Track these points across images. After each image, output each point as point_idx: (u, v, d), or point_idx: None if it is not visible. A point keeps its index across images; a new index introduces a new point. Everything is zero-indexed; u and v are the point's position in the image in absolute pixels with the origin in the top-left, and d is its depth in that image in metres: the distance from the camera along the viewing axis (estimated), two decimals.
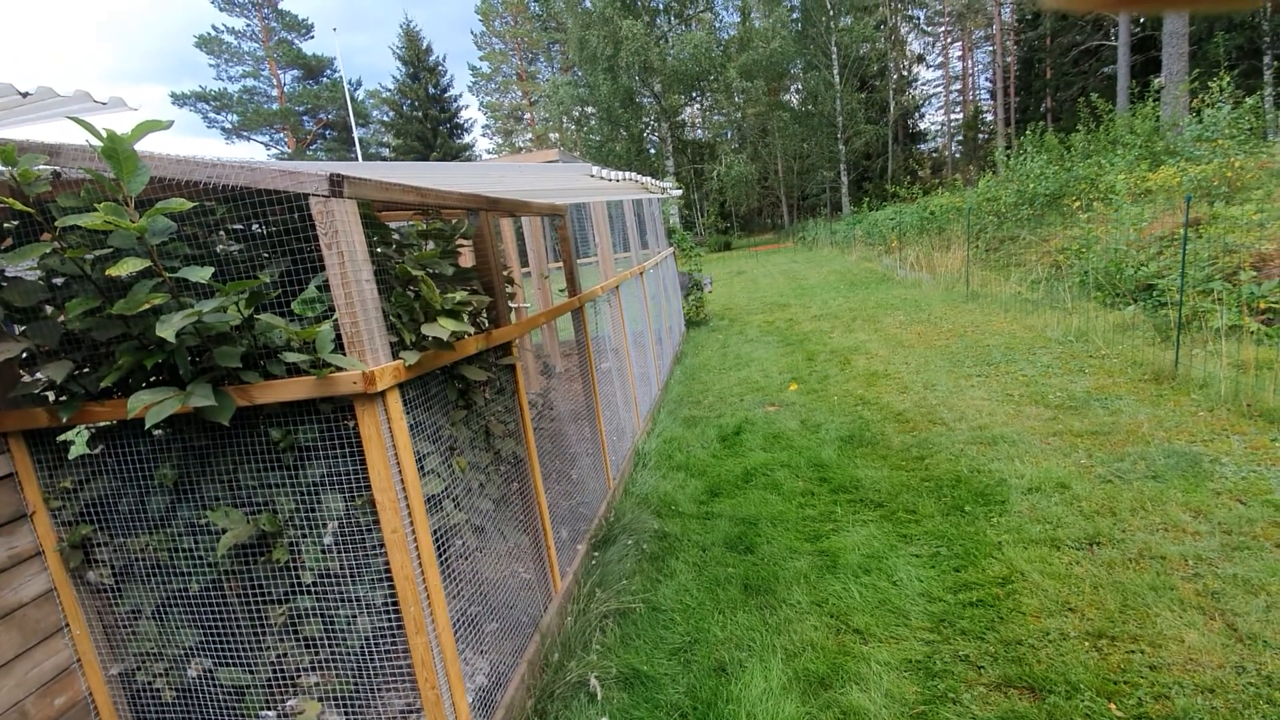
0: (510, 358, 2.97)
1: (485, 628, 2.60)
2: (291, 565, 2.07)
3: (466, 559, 2.50)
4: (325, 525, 2.04)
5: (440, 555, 2.21)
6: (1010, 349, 7.35)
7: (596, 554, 3.79)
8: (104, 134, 1.72)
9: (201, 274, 1.78)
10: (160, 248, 1.94)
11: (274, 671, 2.14)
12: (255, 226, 2.19)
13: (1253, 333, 6.23)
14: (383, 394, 1.94)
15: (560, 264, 5.32)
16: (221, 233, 2.19)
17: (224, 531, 1.99)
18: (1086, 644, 2.69)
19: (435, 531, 2.21)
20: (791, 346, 9.10)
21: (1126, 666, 2.53)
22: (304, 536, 2.05)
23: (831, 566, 3.52)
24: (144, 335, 1.90)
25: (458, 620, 2.31)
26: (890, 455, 4.90)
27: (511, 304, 3.35)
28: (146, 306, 1.76)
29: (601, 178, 4.58)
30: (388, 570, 2.03)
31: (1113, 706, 2.36)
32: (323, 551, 2.05)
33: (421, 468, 2.20)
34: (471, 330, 2.49)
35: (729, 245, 38.12)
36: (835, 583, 3.36)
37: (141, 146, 1.81)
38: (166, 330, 1.67)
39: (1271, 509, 3.43)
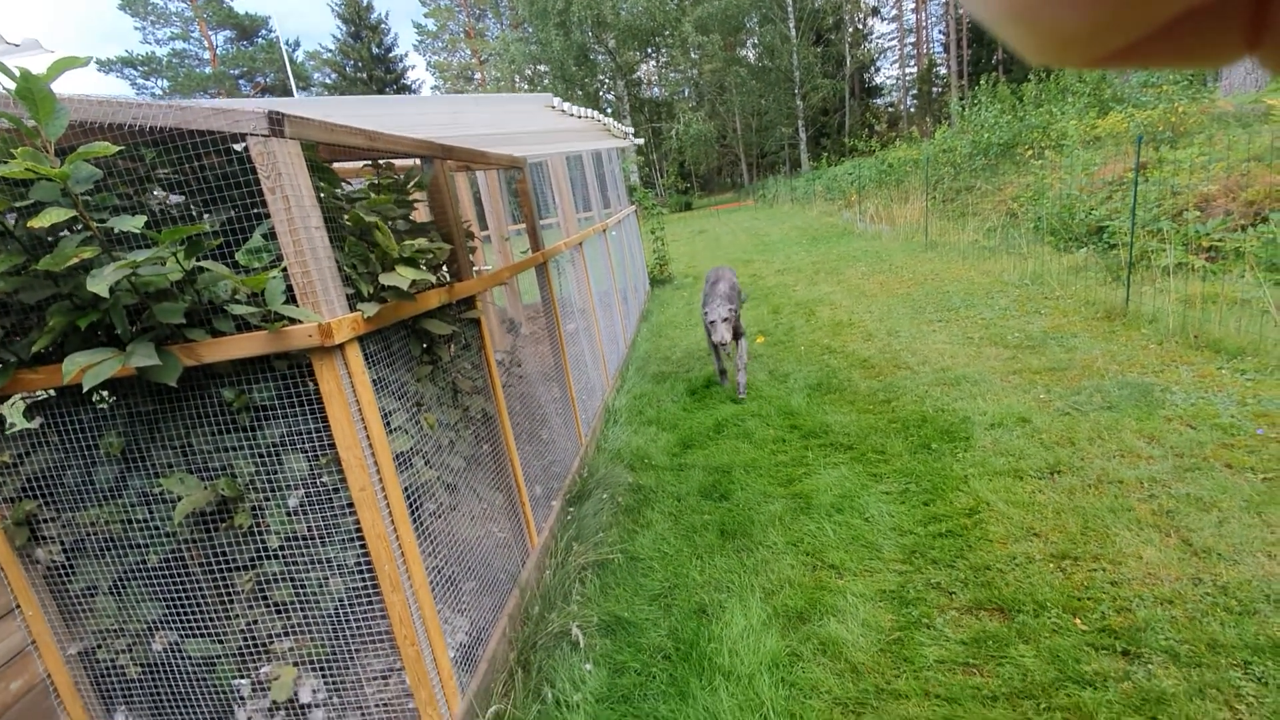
0: (474, 311, 2.88)
1: (463, 586, 2.57)
2: (256, 530, 1.99)
3: (440, 517, 2.44)
4: (290, 487, 1.96)
5: (413, 513, 2.16)
6: (969, 294, 7.48)
7: (572, 509, 3.78)
8: (17, 73, 1.55)
9: (134, 223, 1.65)
10: (88, 199, 1.79)
11: (245, 640, 2.07)
12: (191, 177, 2.04)
13: (1197, 269, 6.44)
14: (341, 347, 1.85)
15: (520, 226, 5.18)
16: (156, 188, 2.03)
17: (180, 499, 1.89)
18: (1051, 565, 2.79)
19: (406, 489, 2.15)
20: (757, 300, 9.11)
21: (1089, 584, 2.63)
22: (267, 500, 1.97)
23: (805, 508, 3.57)
24: (76, 294, 1.77)
25: (434, 579, 2.27)
26: (858, 400, 4.97)
27: (472, 260, 3.23)
28: (75, 261, 1.63)
29: (562, 110, 4.43)
30: (358, 530, 1.97)
31: (1078, 621, 2.46)
32: (288, 514, 1.98)
33: (388, 424, 2.12)
34: (432, 279, 2.39)
35: (689, 205, 37.88)
36: (809, 523, 3.42)
37: (62, 91, 1.66)
38: (99, 285, 1.55)
39: (1219, 432, 3.58)
